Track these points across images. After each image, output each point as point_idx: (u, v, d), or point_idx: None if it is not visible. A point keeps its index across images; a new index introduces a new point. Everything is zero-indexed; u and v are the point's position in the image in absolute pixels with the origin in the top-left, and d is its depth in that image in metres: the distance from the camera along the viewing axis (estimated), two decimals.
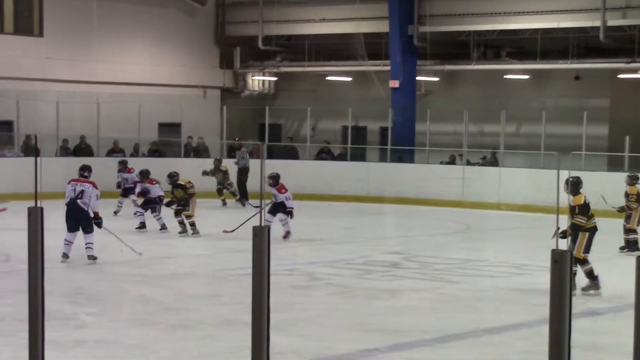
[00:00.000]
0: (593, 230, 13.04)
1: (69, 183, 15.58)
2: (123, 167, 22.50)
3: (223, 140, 29.69)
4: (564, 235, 12.78)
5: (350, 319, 11.47)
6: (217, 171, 25.04)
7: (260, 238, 3.12)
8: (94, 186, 15.38)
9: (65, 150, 27.31)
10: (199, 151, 29.38)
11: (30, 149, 26.24)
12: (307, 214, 23.53)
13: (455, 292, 12.61)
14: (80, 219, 15.08)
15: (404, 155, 27.84)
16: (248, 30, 32.31)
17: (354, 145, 29.08)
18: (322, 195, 26.68)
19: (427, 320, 11.54)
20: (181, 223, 18.85)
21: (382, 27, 29.17)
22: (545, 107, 27.60)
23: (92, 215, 15.12)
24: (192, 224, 18.68)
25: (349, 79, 32.68)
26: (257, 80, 33.88)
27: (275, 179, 18.59)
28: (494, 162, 27.08)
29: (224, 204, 25.24)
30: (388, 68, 29.07)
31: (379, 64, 30.18)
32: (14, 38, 28.18)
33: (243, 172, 25.82)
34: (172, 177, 19.41)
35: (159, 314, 11.43)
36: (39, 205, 3.42)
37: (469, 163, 27.05)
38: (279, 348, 9.39)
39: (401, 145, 27.81)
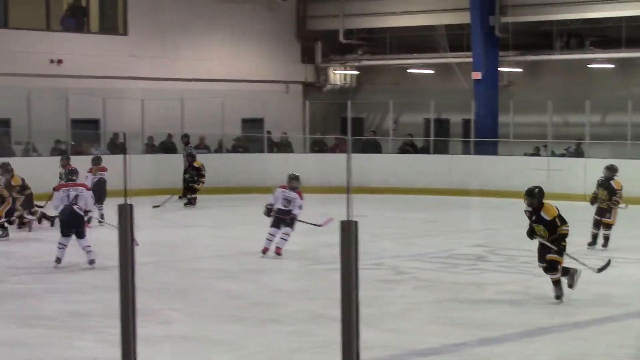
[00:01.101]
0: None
1: (57, 189, 15.01)
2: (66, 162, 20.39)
3: (306, 135, 29.75)
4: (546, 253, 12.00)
5: (436, 313, 11.44)
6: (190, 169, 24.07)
7: (349, 232, 3.10)
8: (87, 188, 15.14)
9: (151, 148, 27.63)
10: (282, 146, 29.51)
11: (116, 147, 26.58)
12: (392, 208, 23.49)
13: (542, 285, 12.46)
14: (76, 225, 14.47)
15: (487, 147, 27.62)
16: (329, 24, 32.31)
17: (437, 138, 28.93)
18: (405, 188, 26.60)
19: (513, 314, 11.45)
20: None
21: (464, 18, 28.95)
22: (632, 95, 27.13)
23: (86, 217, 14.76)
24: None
25: (431, 71, 32.50)
26: (339, 74, 33.87)
27: (298, 181, 16.16)
28: (579, 152, 26.72)
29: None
30: (470, 60, 28.84)
31: (460, 55, 29.96)
32: (100, 37, 28.59)
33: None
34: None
35: (248, 309, 11.48)
36: (128, 202, 3.45)
37: (553, 154, 26.73)
38: (367, 342, 9.34)
39: (484, 137, 27.60)
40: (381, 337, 9.88)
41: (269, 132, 29.64)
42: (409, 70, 32.70)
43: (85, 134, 27.13)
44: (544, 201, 12.18)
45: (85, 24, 28.75)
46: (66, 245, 14.45)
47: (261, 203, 21.18)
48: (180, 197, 24.03)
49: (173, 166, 25.87)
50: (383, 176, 27.03)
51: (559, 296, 11.98)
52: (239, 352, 9.52)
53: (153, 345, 9.57)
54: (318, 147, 30.11)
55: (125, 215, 3.43)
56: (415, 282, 13.60)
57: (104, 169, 20.37)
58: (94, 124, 27.50)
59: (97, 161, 20.81)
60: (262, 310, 11.40)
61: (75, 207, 14.47)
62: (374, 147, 29.28)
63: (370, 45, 32.87)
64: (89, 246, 14.42)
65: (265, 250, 15.54)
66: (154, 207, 16.93)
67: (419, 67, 32.35)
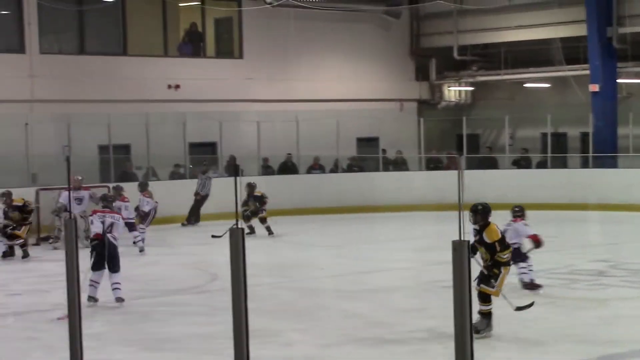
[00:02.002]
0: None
1: (91, 215, 14.12)
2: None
3: (421, 153, 29.66)
4: (481, 279, 10.85)
5: (557, 330, 11.26)
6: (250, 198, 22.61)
7: (460, 252, 3.09)
8: (122, 217, 14.45)
9: (266, 169, 27.88)
10: (398, 164, 29.46)
11: (233, 169, 26.85)
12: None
13: None
14: (110, 256, 13.30)
15: (606, 161, 27.11)
16: (443, 41, 32.20)
17: (554, 155, 28.51)
18: (523, 204, 26.12)
19: (638, 329, 11.20)
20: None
21: (580, 30, 28.52)
22: None
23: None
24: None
25: (547, 85, 32.09)
26: (454, 91, 33.70)
27: None
28: None
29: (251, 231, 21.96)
30: (587, 72, 28.38)
31: (577, 68, 29.50)
32: (216, 61, 29.01)
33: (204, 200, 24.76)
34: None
35: (367, 329, 11.48)
36: (239, 226, 3.50)
37: None
38: (485, 359, 9.31)
39: (603, 151, 27.10)
40: (499, 355, 9.77)
41: (384, 150, 29.63)
42: (525, 85, 32.35)
43: (203, 157, 27.55)
44: (491, 221, 11.12)
45: (202, 49, 29.22)
46: (99, 282, 13.21)
47: (377, 222, 21.30)
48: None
49: (289, 187, 26.10)
50: (499, 192, 26.72)
51: (477, 330, 10.48)
52: None
53: None
54: (433, 164, 29.98)
55: (237, 238, 3.47)
56: (535, 298, 13.38)
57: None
58: (211, 147, 27.90)
59: (145, 186, 21.64)
60: (381, 330, 11.38)
61: (109, 235, 13.37)
62: (490, 163, 29.02)
63: (485, 60, 32.63)
64: (119, 283, 13.27)
65: None
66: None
67: (535, 81, 31.97)
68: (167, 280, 15.79)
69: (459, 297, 3.17)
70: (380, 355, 10.15)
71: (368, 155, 29.60)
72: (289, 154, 27.98)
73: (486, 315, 10.80)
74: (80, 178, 20.74)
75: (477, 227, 11.02)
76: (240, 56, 29.19)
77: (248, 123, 27.50)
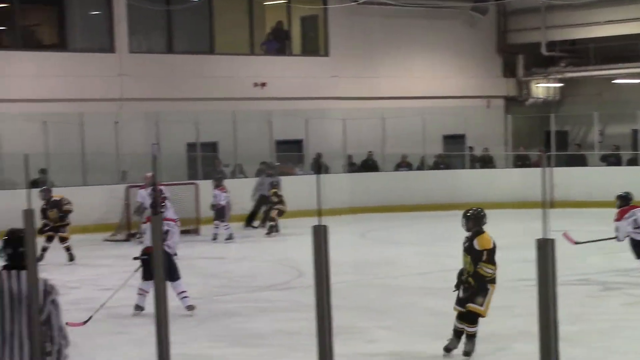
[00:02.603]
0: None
1: (145, 222, 14.09)
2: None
3: (508, 150, 29.41)
4: (458, 286, 10.07)
5: None
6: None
7: (545, 251, 3.06)
8: (177, 224, 13.66)
9: (351, 167, 27.93)
10: (485, 162, 29.27)
11: (320, 167, 26.99)
12: (598, 222, 22.90)
13: None
14: (166, 266, 11.40)
15: None
16: (530, 37, 31.89)
17: None
18: (611, 202, 25.85)
19: None
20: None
21: None
22: None
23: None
24: None
25: (637, 80, 31.58)
26: (542, 87, 33.35)
27: None
28: None
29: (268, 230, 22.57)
30: None
31: None
32: (302, 59, 29.15)
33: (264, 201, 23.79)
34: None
35: (450, 327, 11.40)
36: (322, 223, 3.51)
37: None
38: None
39: None
40: (589, 356, 9.66)
41: (471, 148, 29.47)
42: (614, 81, 31.87)
43: (289, 155, 27.71)
44: (485, 230, 10.30)
45: (288, 47, 29.37)
46: (147, 292, 12.60)
47: None
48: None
49: (373, 185, 26.13)
50: (588, 189, 26.38)
51: (467, 352, 10.00)
52: None
53: None
54: (521, 161, 29.70)
55: (319, 236, 3.48)
56: (624, 297, 13.22)
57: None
58: (297, 144, 28.03)
59: (221, 181, 22.10)
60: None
61: (164, 244, 11.76)
62: (579, 161, 28.66)
63: (574, 56, 32.24)
64: (184, 292, 12.71)
65: None
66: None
67: (624, 77, 31.48)
68: (252, 277, 15.92)
69: (544, 295, 3.13)
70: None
71: (454, 152, 29.46)
72: (370, 151, 28.00)
73: (472, 338, 10.00)
74: (150, 175, 20.87)
75: (468, 235, 10.17)
76: (326, 54, 29.26)
77: (334, 121, 27.57)
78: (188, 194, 22.65)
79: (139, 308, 12.61)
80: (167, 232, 12.28)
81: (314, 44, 29.97)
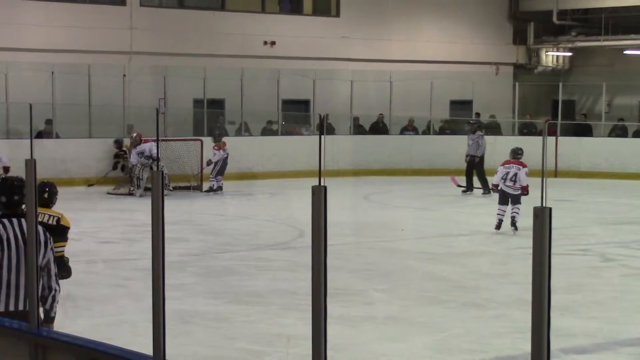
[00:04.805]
0: None
1: (503, 165, 16.39)
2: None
3: (515, 118, 29.36)
4: None
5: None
6: None
7: (542, 219, 3.07)
8: (523, 165, 16.18)
9: (358, 129, 27.91)
10: (491, 128, 29.22)
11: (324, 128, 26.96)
12: (602, 193, 22.93)
13: None
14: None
15: None
16: (543, 5, 31.72)
17: None
18: (616, 173, 25.90)
19: None
20: None
21: None
22: None
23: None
24: None
25: None
26: (551, 56, 33.22)
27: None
28: None
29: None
30: None
31: None
32: (312, 19, 29.03)
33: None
34: None
35: (450, 292, 11.47)
36: (323, 184, 3.52)
37: None
38: (571, 330, 9.25)
39: None
40: (585, 325, 9.70)
41: (477, 114, 29.41)
42: (625, 52, 31.74)
43: (296, 115, 27.70)
44: None
45: (299, 6, 29.25)
46: (504, 212, 15.91)
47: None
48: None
49: (379, 147, 26.14)
50: (593, 160, 26.36)
51: None
52: (440, 335, 9.53)
53: (355, 325, 9.72)
54: (527, 129, 29.66)
55: (319, 196, 3.50)
56: (623, 269, 13.25)
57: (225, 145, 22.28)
58: (304, 104, 28.01)
59: (220, 137, 22.54)
60: (464, 294, 11.37)
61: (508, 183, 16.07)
62: (585, 131, 28.62)
63: (585, 26, 32.09)
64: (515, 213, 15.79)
65: (498, 226, 16.05)
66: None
67: (636, 48, 31.33)
68: (253, 236, 15.96)
69: (538, 264, 3.15)
70: (462, 318, 10.14)
71: (461, 118, 29.41)
72: (381, 114, 27.98)
73: None
74: (136, 134, 21.68)
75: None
76: (337, 14, 29.15)
77: (341, 82, 27.53)
78: (192, 149, 22.67)
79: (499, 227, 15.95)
80: (515, 174, 16.03)
81: (326, 4, 29.82)
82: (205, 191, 21.75)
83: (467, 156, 22.71)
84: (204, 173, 22.27)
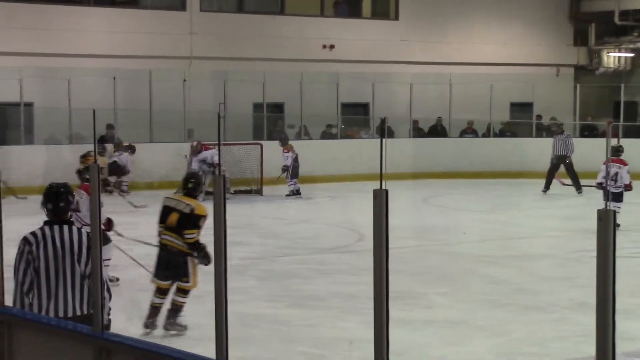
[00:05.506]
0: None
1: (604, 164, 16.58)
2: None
3: (576, 120, 29.10)
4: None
5: None
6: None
7: (606, 222, 3.06)
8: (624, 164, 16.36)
9: (417, 132, 27.85)
10: (552, 131, 28.98)
11: (384, 131, 26.97)
12: None
13: None
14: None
15: None
16: (604, 5, 31.40)
17: None
18: None
19: None
20: None
21: None
22: None
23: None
24: None
25: None
26: (613, 57, 32.88)
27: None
28: None
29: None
30: None
31: None
32: (371, 22, 29.02)
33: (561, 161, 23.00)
34: None
35: (510, 296, 11.42)
36: (384, 187, 3.53)
37: None
38: (634, 333, 9.16)
39: None
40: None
41: (538, 116, 29.19)
42: None
43: (355, 118, 27.70)
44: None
45: (358, 9, 29.27)
46: None
47: (527, 188, 21.07)
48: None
49: (439, 150, 26.06)
50: None
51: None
52: (501, 339, 9.50)
53: (416, 329, 9.71)
54: (588, 131, 29.38)
55: (381, 200, 3.51)
56: None
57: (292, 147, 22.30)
58: (363, 108, 28.01)
59: (287, 140, 22.74)
60: (525, 297, 11.31)
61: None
62: None
63: None
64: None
65: None
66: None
67: None
68: (313, 239, 16.00)
69: (603, 267, 3.13)
70: (523, 322, 10.09)
71: (521, 120, 29.22)
72: (440, 117, 27.90)
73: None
74: (196, 142, 21.71)
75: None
76: (396, 17, 29.11)
77: (401, 85, 27.48)
78: (252, 154, 22.75)
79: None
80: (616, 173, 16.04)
81: (384, 7, 29.81)
82: (286, 195, 21.71)
83: (554, 157, 22.76)
84: (268, 178, 22.36)
